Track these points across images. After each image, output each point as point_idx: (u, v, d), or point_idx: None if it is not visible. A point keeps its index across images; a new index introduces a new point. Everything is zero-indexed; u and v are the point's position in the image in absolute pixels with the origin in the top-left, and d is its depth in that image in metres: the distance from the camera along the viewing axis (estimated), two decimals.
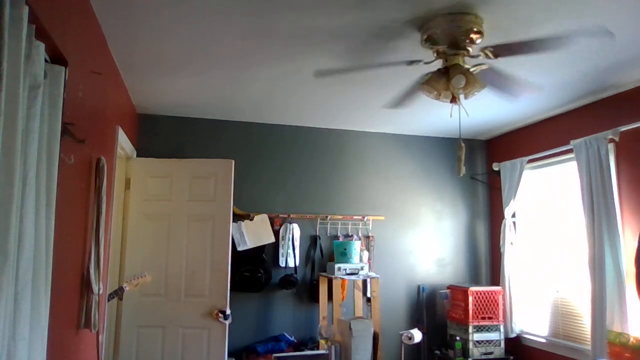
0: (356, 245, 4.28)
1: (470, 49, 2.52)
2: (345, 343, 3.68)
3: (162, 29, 2.59)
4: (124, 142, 3.47)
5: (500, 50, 2.63)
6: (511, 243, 4.58)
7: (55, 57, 1.80)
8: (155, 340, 3.70)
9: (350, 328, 3.62)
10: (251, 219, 4.33)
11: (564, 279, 4.11)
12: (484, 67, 2.70)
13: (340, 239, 4.55)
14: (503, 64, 2.81)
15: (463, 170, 2.92)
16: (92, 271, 2.37)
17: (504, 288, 4.49)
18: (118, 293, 3.19)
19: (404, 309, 4.69)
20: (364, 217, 4.70)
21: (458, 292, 4.47)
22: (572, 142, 3.83)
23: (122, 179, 3.81)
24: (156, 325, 3.72)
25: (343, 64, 3.06)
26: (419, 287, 4.74)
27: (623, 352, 3.16)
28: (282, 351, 4.02)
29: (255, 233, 4.29)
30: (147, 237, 3.80)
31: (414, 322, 4.65)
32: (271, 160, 4.56)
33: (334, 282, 4.12)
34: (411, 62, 2.92)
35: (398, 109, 3.78)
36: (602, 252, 3.47)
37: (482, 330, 4.30)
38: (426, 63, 2.79)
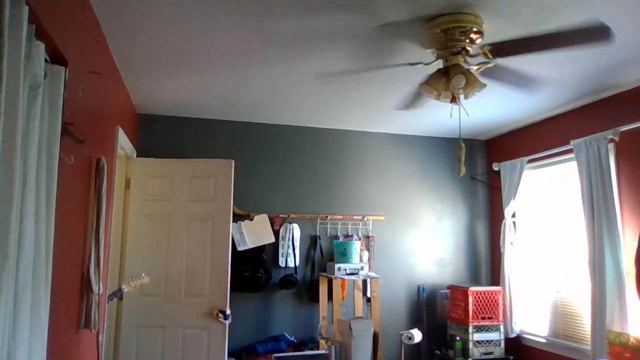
0: (356, 245, 4.27)
1: (470, 48, 2.53)
2: (345, 343, 3.68)
3: (162, 29, 2.59)
4: (124, 142, 3.47)
5: (499, 50, 2.63)
6: (511, 243, 4.58)
7: (55, 57, 1.80)
8: (155, 340, 3.70)
9: (350, 328, 3.62)
10: (251, 219, 4.33)
11: (564, 279, 4.11)
12: (490, 65, 2.69)
13: (340, 239, 4.54)
14: (510, 62, 2.80)
15: (463, 170, 2.92)
16: (92, 271, 2.37)
17: (504, 288, 4.49)
18: (117, 294, 3.24)
19: (404, 309, 4.69)
20: (364, 217, 4.69)
21: (458, 292, 4.47)
22: (572, 142, 3.83)
23: (122, 179, 3.81)
24: (156, 325, 3.71)
25: (343, 64, 3.06)
26: (419, 287, 4.74)
27: (623, 352, 3.16)
28: (282, 351, 4.02)
29: (255, 233, 4.29)
30: (147, 237, 3.80)
31: (414, 322, 4.65)
32: (271, 160, 4.56)
33: (334, 282, 4.11)
34: (413, 64, 2.92)
35: (405, 110, 3.78)
36: (602, 252, 3.47)
37: (482, 330, 4.30)
38: (426, 64, 2.79)
